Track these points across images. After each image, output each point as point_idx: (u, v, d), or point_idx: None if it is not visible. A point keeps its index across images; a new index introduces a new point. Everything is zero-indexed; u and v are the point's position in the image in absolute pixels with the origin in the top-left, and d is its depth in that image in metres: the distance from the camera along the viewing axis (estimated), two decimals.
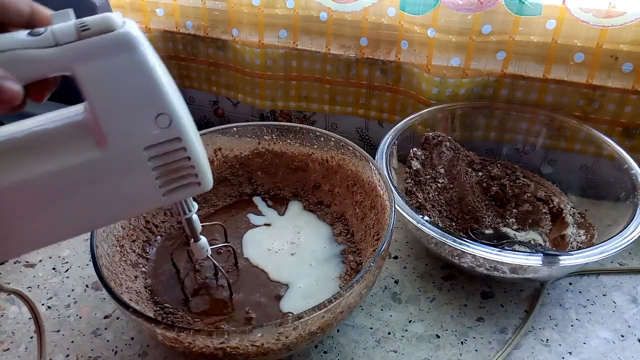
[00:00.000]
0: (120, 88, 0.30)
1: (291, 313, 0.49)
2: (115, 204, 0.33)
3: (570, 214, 0.59)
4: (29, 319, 0.51)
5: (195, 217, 0.42)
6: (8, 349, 0.49)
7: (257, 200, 0.65)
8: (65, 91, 0.33)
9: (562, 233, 0.57)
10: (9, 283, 0.56)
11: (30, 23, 0.31)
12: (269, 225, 0.60)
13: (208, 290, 0.51)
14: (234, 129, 0.63)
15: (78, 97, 0.33)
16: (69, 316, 0.52)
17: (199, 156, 0.34)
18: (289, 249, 0.56)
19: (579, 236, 0.56)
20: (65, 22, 0.29)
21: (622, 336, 0.49)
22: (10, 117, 0.32)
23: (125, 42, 0.29)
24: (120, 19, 0.30)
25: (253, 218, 0.61)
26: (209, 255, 0.46)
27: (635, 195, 0.52)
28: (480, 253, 0.46)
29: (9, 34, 0.28)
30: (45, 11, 0.31)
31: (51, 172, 0.31)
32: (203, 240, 0.44)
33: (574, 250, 0.48)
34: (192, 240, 0.44)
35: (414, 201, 0.59)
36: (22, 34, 0.28)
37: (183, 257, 0.55)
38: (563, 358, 0.47)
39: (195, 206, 0.40)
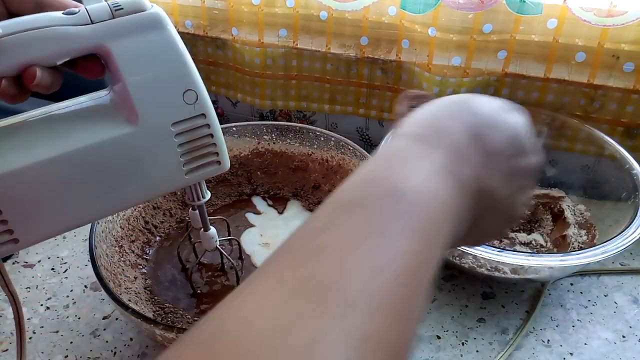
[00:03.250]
0: (152, 64, 0.32)
1: None
2: (140, 183, 0.34)
3: (572, 214, 0.59)
4: (28, 319, 0.51)
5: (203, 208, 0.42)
6: (7, 350, 0.49)
7: (256, 199, 0.64)
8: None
9: (564, 233, 0.57)
10: None
11: (38, 8, 0.31)
12: (267, 224, 0.60)
13: (209, 288, 0.51)
14: (234, 128, 0.63)
15: (70, 95, 0.33)
16: (67, 317, 0.52)
17: (220, 134, 0.36)
18: None
19: (580, 236, 0.56)
20: (98, 3, 0.31)
21: (624, 337, 0.49)
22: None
23: (157, 20, 0.31)
24: (149, 2, 0.32)
25: (251, 217, 0.61)
26: (217, 246, 0.46)
27: (636, 195, 0.52)
28: (481, 253, 0.46)
29: (46, 13, 0.29)
30: None
31: (83, 148, 0.32)
32: (213, 230, 0.45)
33: (576, 251, 0.47)
34: (202, 229, 0.44)
35: None
36: (57, 14, 0.30)
37: (183, 256, 0.55)
38: (564, 359, 0.47)
39: (209, 194, 0.40)
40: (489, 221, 0.28)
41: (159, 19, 0.31)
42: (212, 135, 0.35)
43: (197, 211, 0.43)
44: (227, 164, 0.37)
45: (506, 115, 0.29)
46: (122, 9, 0.30)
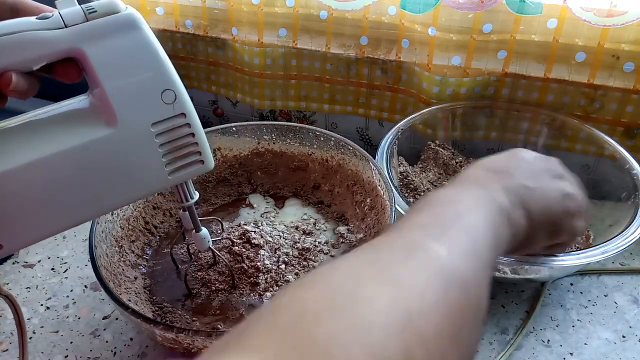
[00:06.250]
0: (129, 65, 0.32)
1: None
2: (123, 185, 0.34)
3: None
4: (28, 319, 0.51)
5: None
6: (7, 350, 0.49)
7: (255, 197, 0.64)
8: (53, 88, 0.33)
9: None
10: (8, 284, 0.56)
11: (14, 14, 0.31)
12: (266, 222, 0.60)
13: (205, 288, 0.51)
14: (233, 128, 0.63)
15: (66, 95, 0.33)
16: (67, 317, 0.52)
17: (201, 133, 0.36)
18: (287, 249, 0.56)
19: None
20: (71, 7, 0.30)
21: (624, 337, 0.49)
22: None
23: (132, 22, 0.31)
24: (123, 3, 0.32)
25: (249, 215, 0.61)
26: (210, 246, 0.46)
27: (636, 195, 0.52)
28: None
29: (18, 19, 0.29)
30: (30, 1, 0.32)
31: (64, 151, 0.31)
32: (204, 230, 0.44)
33: (573, 251, 0.47)
34: (194, 231, 0.44)
35: (415, 201, 0.59)
36: (31, 19, 0.29)
37: (178, 257, 0.55)
38: (564, 359, 0.47)
39: (197, 195, 0.40)
40: (543, 235, 0.38)
41: (134, 20, 0.32)
42: (193, 135, 0.35)
43: (187, 212, 0.43)
44: (210, 163, 0.37)
45: (549, 182, 0.39)
46: (95, 11, 0.30)
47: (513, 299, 0.53)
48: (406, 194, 0.59)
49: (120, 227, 0.53)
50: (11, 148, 0.30)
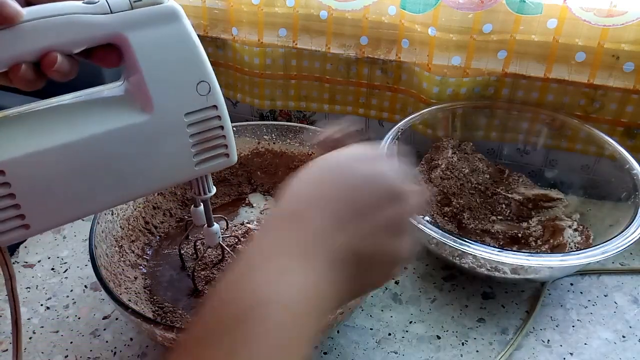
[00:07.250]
0: (168, 55, 0.33)
1: None
2: (151, 172, 0.35)
3: (566, 218, 0.59)
4: (28, 319, 0.51)
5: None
6: (7, 350, 0.49)
7: (255, 197, 0.64)
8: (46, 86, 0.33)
9: (558, 236, 0.56)
10: None
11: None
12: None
13: (209, 286, 0.51)
14: (234, 128, 0.63)
15: (63, 91, 0.34)
16: (67, 317, 0.52)
17: (229, 127, 0.37)
18: None
19: (575, 237, 0.56)
20: None
21: (624, 337, 0.49)
22: None
23: (174, 13, 0.33)
24: None
25: (248, 214, 0.61)
26: (220, 242, 0.46)
27: (636, 195, 0.52)
28: (481, 253, 0.46)
29: (67, 2, 0.30)
30: None
31: (99, 134, 0.32)
32: (216, 226, 0.45)
33: (573, 251, 0.47)
34: (206, 225, 0.44)
35: None
36: (78, 2, 0.30)
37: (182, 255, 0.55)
38: (564, 359, 0.47)
39: (214, 189, 0.41)
40: (371, 275, 0.28)
41: (175, 12, 0.33)
42: (222, 127, 0.36)
43: (200, 207, 0.43)
44: (234, 157, 0.38)
45: (355, 181, 0.29)
46: (140, 0, 0.31)
47: (513, 299, 0.53)
48: None
49: (120, 227, 0.53)
50: (47, 128, 0.31)
